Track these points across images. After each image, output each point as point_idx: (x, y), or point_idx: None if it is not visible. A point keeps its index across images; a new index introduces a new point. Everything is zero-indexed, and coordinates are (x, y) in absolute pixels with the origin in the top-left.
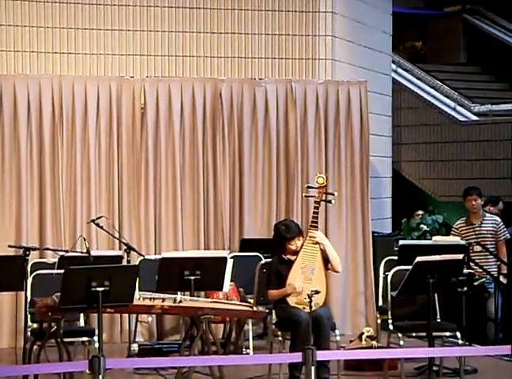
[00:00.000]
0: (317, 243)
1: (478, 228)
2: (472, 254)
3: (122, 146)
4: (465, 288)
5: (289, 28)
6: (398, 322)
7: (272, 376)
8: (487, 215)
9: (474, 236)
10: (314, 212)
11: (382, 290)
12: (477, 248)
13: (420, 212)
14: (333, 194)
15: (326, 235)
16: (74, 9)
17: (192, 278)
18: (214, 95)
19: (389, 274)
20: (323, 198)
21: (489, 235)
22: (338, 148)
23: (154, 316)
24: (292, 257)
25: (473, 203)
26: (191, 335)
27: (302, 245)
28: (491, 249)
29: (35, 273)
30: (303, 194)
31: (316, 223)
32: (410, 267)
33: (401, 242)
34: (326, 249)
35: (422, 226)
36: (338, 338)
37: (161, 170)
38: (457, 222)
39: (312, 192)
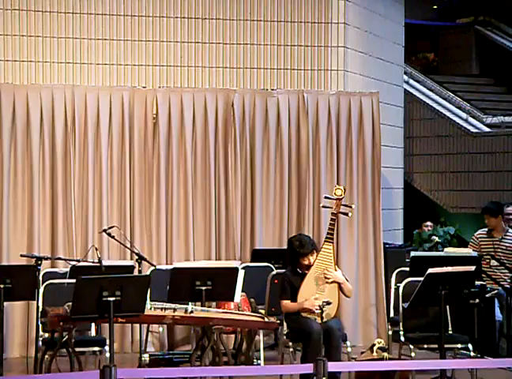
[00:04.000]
0: (331, 254)
1: (498, 242)
2: (486, 268)
3: (134, 156)
4: (477, 300)
5: (301, 39)
6: (410, 334)
7: None
8: (510, 230)
9: (493, 249)
10: (330, 224)
11: (394, 301)
12: (494, 262)
13: (429, 224)
14: (350, 206)
15: (337, 246)
16: (87, 20)
17: (203, 288)
18: (226, 105)
19: (401, 285)
20: (340, 210)
21: (507, 251)
22: (350, 159)
23: (165, 326)
24: (306, 270)
25: (486, 221)
26: (202, 346)
27: (315, 259)
28: (507, 265)
29: (46, 283)
30: (320, 204)
31: (332, 235)
32: (422, 278)
33: (413, 254)
34: (342, 285)
35: (433, 237)
36: (349, 349)
37: (173, 181)
38: (479, 231)
39: (327, 202)
